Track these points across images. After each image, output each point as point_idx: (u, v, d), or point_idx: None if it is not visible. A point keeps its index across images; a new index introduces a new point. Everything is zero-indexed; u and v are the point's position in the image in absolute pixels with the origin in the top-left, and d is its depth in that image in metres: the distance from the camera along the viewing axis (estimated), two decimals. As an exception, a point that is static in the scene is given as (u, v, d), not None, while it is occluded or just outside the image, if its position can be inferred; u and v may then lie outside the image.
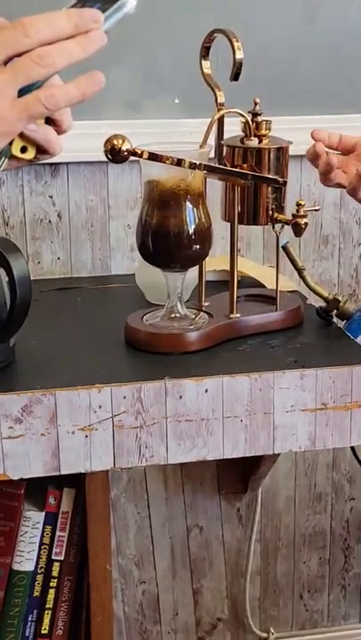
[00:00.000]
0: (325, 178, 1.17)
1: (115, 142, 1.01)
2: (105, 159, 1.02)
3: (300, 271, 1.25)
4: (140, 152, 1.03)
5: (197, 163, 1.05)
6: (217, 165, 1.15)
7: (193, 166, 1.05)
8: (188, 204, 1.09)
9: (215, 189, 1.21)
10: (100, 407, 1.00)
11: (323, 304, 1.23)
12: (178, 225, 1.09)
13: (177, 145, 1.10)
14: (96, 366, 1.07)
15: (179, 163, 1.04)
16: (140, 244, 1.12)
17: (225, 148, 1.17)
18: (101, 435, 1.01)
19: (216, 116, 1.14)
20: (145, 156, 1.03)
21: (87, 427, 1.00)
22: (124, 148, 1.01)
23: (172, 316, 1.15)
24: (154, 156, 1.04)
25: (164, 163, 1.04)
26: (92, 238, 1.50)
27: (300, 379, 1.05)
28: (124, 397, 1.01)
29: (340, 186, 1.18)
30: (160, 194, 1.09)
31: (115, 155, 1.01)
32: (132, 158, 1.02)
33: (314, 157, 1.17)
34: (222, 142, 1.18)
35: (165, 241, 1.09)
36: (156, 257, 1.12)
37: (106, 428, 1.01)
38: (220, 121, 1.17)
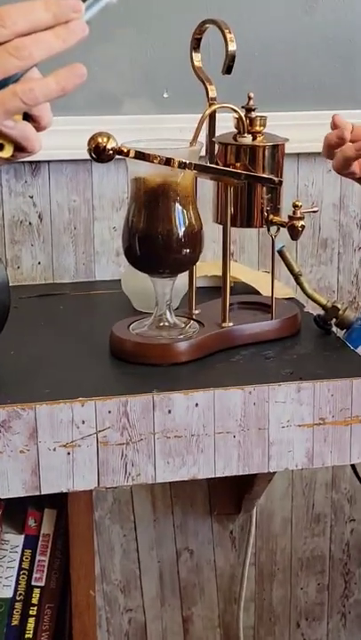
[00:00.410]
0: (343, 166, 1.15)
1: (99, 140, 1.01)
2: (89, 157, 1.02)
3: (297, 277, 1.25)
4: (126, 150, 1.03)
5: (187, 162, 1.06)
6: (208, 164, 1.16)
7: (183, 165, 1.05)
8: (178, 206, 1.09)
9: (206, 190, 1.21)
10: (83, 422, 1.00)
11: (321, 312, 1.24)
12: (167, 228, 1.09)
13: (166, 142, 1.10)
14: (79, 379, 1.07)
15: (167, 162, 1.04)
16: (126, 247, 1.12)
17: (217, 146, 1.18)
18: (85, 452, 1.01)
19: (207, 112, 1.14)
20: (131, 154, 1.03)
21: (69, 443, 1.00)
22: (109, 146, 1.01)
23: (161, 324, 1.15)
24: (141, 155, 1.04)
25: (152, 162, 1.04)
26: (75, 241, 1.50)
27: (296, 392, 1.05)
28: (109, 412, 1.00)
29: (352, 175, 1.17)
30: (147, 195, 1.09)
31: (99, 153, 1.01)
32: (117, 157, 1.03)
33: (336, 146, 1.15)
34: (214, 139, 1.18)
35: (153, 244, 1.10)
36: (144, 261, 1.12)
37: (89, 445, 1.01)
38: (212, 117, 1.18)
